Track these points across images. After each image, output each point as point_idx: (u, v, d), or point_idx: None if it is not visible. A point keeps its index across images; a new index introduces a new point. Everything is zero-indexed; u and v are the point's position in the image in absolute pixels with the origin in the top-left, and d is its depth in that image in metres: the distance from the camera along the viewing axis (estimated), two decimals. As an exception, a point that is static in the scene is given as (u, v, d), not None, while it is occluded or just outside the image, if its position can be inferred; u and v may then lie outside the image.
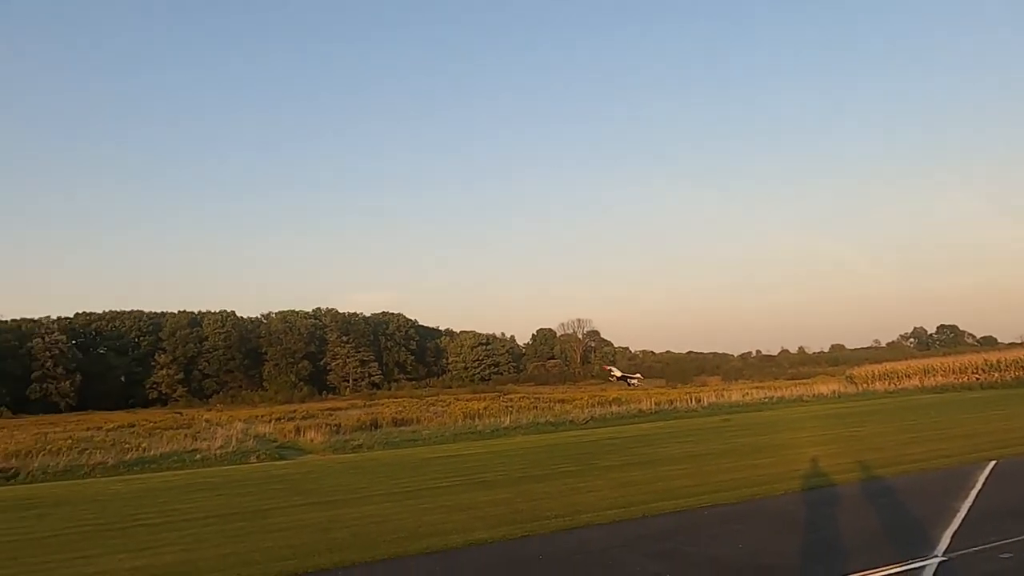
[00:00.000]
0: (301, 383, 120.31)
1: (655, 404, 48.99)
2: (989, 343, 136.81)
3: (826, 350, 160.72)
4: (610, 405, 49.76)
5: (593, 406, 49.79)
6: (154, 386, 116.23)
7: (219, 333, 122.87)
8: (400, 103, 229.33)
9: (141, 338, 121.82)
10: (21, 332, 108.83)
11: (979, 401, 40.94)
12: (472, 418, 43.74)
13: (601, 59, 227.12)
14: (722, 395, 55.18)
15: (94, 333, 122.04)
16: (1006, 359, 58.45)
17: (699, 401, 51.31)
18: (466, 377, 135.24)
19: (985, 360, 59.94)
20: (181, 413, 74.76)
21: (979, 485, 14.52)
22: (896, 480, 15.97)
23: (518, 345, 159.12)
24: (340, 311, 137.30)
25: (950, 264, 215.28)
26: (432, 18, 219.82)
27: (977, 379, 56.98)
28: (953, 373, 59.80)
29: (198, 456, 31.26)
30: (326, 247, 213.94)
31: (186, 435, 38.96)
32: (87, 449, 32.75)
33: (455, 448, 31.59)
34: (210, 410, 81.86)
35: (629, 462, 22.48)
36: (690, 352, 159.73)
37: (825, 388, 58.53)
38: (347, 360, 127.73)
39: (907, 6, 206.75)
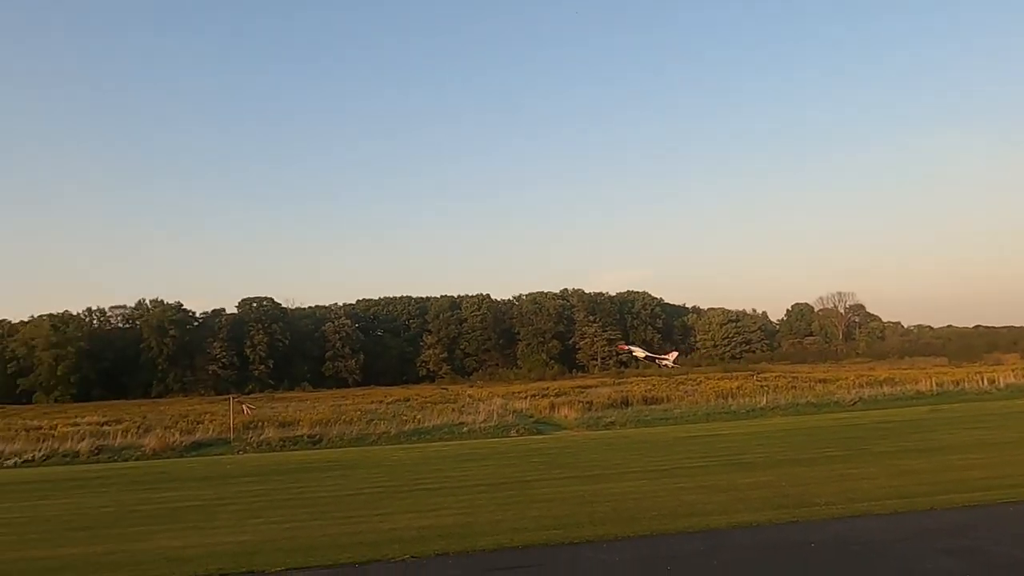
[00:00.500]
0: (552, 361, 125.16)
1: (936, 385, 43.82)
2: None
3: None
4: (881, 386, 45.40)
5: (861, 386, 45.79)
6: (423, 364, 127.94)
7: (476, 315, 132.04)
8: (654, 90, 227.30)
9: (411, 321, 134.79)
10: (316, 317, 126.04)
11: None
12: (724, 397, 42.43)
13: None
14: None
15: (372, 317, 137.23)
16: None
17: (993, 382, 44.90)
18: (716, 355, 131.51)
19: None
20: (447, 389, 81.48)
21: None
22: None
23: (771, 322, 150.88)
24: (586, 291, 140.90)
25: None
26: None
27: None
28: None
29: (464, 429, 33.91)
30: (569, 231, 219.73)
31: (452, 409, 42.43)
32: (373, 420, 37.03)
33: (709, 428, 30.91)
34: (472, 386, 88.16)
35: (907, 448, 20.42)
36: (978, 326, 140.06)
37: None
38: (595, 339, 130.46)
39: None
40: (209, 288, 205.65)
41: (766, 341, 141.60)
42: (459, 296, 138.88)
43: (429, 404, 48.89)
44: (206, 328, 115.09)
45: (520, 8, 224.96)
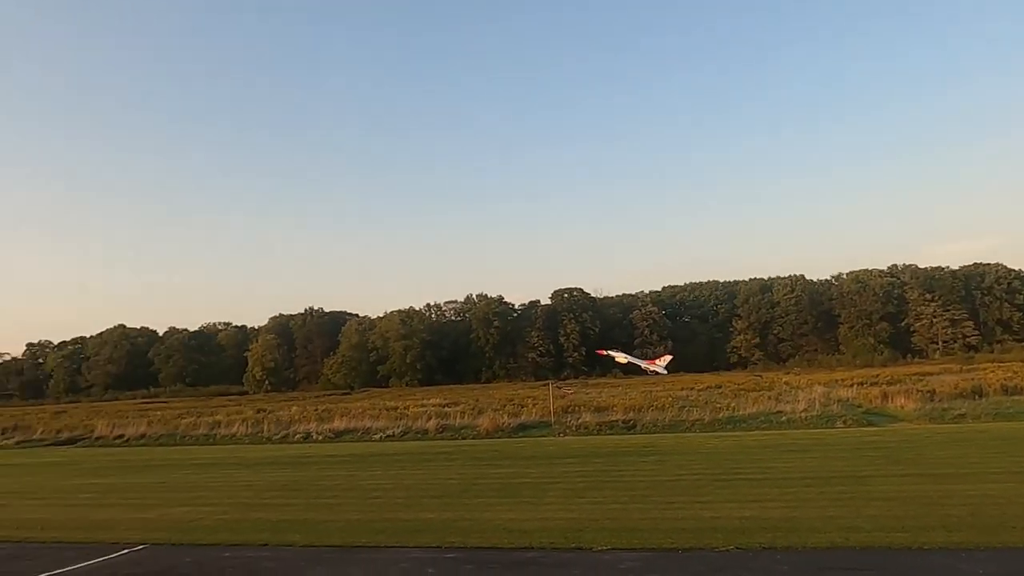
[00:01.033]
0: (880, 345, 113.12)
1: None
2: None
3: None
4: None
5: None
6: (733, 350, 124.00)
7: (789, 298, 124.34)
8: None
9: (718, 306, 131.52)
10: (624, 306, 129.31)
11: None
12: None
13: None
14: None
15: (678, 303, 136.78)
16: None
17: None
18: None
19: None
20: (760, 376, 77.90)
21: None
22: None
23: None
24: (920, 266, 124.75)
25: None
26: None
27: None
28: None
29: (783, 418, 32.13)
30: (896, 201, 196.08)
31: (768, 397, 40.43)
32: (685, 407, 36.83)
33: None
34: (787, 373, 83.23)
35: None
36: None
37: None
38: (933, 320, 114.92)
39: None
40: (526, 282, 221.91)
41: None
42: (770, 278, 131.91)
43: (743, 392, 47.20)
44: (524, 319, 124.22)
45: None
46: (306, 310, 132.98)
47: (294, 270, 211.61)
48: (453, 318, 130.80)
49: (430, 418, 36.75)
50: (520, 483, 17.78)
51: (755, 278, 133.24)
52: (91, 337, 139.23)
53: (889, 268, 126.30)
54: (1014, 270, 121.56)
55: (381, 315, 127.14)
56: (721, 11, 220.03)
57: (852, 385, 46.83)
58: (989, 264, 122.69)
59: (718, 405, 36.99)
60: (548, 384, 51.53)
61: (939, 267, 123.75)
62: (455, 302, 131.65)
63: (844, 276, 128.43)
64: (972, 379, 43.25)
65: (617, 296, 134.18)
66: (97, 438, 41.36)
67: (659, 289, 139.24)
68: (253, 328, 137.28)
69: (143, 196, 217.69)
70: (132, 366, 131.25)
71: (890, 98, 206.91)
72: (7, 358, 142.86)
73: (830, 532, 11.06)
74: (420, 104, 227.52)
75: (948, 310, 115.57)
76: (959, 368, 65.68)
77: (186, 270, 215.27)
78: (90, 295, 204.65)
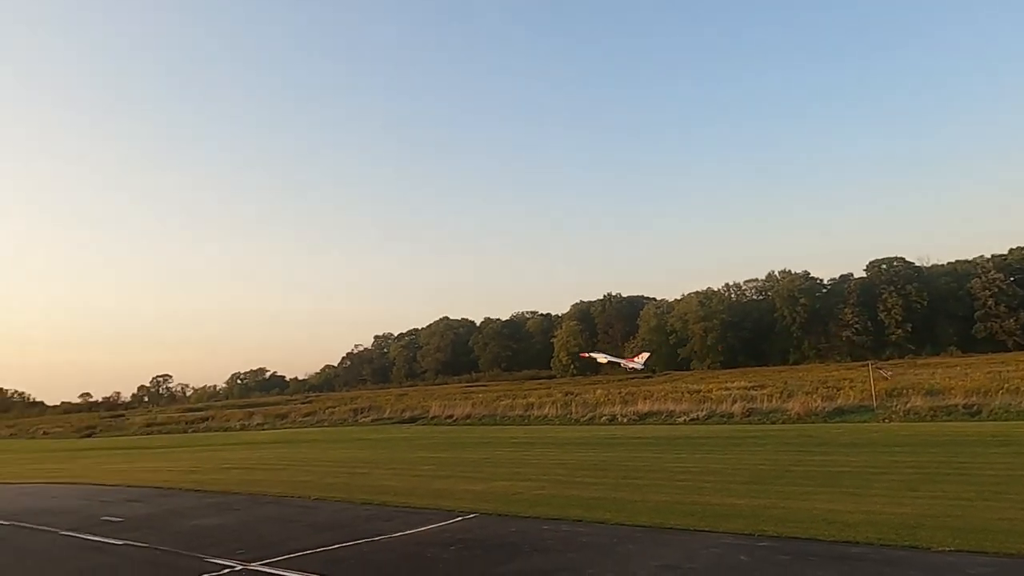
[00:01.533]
0: None
1: None
2: None
3: None
4: None
5: None
6: None
7: None
8: None
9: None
10: (958, 274, 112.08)
11: None
12: None
13: None
14: None
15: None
16: None
17: None
18: None
19: None
20: None
21: None
22: None
23: None
24: None
25: None
26: None
27: None
28: None
29: None
30: None
31: None
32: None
33: None
34: None
35: None
36: None
37: None
38: None
39: None
40: (836, 254, 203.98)
41: None
42: None
43: None
44: (835, 295, 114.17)
45: None
46: (605, 296, 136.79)
47: (593, 258, 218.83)
48: (755, 297, 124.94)
49: (735, 401, 35.61)
50: (839, 472, 16.44)
51: None
52: (423, 329, 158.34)
53: None
54: None
55: (678, 297, 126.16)
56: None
57: None
58: None
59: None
60: (867, 365, 46.83)
61: None
62: (755, 280, 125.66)
63: None
64: None
65: (949, 263, 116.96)
66: (432, 417, 46.94)
67: (1005, 253, 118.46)
68: (557, 315, 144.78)
69: (469, 201, 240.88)
70: (456, 353, 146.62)
71: None
72: (360, 349, 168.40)
73: None
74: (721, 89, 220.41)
75: None
76: None
77: (498, 263, 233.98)
78: (421, 291, 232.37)
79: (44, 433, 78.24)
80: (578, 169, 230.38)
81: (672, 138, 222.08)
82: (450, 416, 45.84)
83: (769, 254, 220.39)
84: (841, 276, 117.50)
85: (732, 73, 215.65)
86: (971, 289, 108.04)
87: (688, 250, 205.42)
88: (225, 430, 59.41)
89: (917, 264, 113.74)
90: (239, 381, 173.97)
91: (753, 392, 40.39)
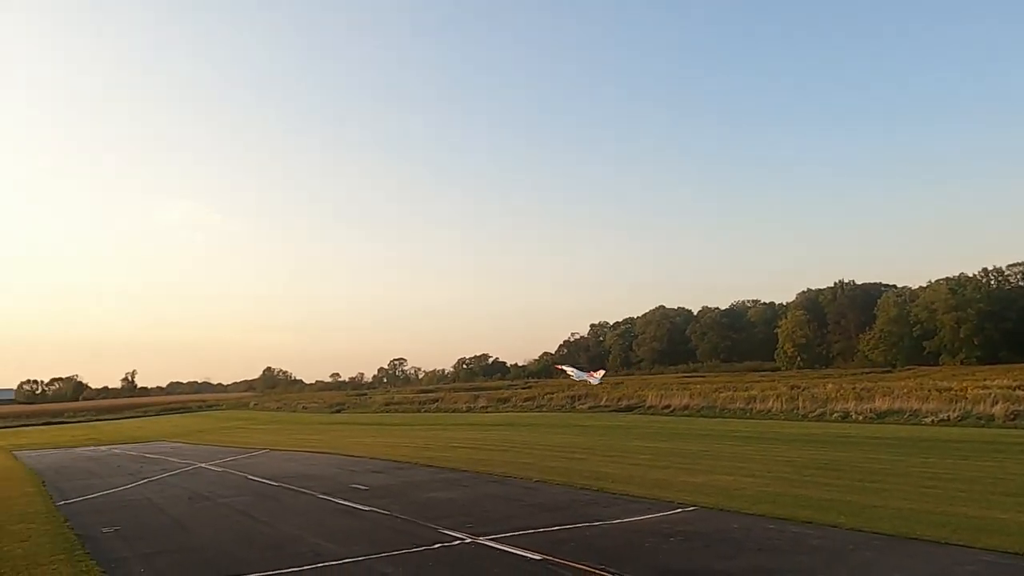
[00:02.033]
0: None
1: None
2: None
3: None
4: None
5: None
6: None
7: None
8: None
9: None
10: None
11: None
12: None
13: None
14: None
15: None
16: None
17: None
18: None
19: None
20: None
21: None
22: None
23: None
24: None
25: None
26: None
27: None
28: None
29: None
30: None
31: None
32: None
33: None
34: None
35: None
36: None
37: None
38: None
39: None
40: None
41: None
42: None
43: None
44: None
45: None
46: (836, 283, 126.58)
47: (821, 242, 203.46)
48: (1020, 284, 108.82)
49: (996, 402, 31.30)
50: None
51: None
52: (638, 317, 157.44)
53: None
54: None
55: (923, 285, 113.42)
56: None
57: None
58: None
59: None
60: None
61: None
62: (1021, 265, 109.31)
63: None
64: None
65: None
66: (648, 407, 46.59)
67: None
68: (781, 304, 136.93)
69: (684, 186, 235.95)
70: (672, 343, 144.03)
71: None
72: (577, 337, 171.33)
73: None
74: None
75: None
76: None
77: (717, 250, 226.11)
78: (636, 280, 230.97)
79: (303, 408, 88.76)
80: (809, 142, 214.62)
81: (924, 106, 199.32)
82: (667, 406, 45.16)
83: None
84: None
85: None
86: None
87: (934, 232, 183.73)
88: (453, 411, 63.52)
89: None
90: (464, 366, 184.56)
91: (1019, 392, 35.27)
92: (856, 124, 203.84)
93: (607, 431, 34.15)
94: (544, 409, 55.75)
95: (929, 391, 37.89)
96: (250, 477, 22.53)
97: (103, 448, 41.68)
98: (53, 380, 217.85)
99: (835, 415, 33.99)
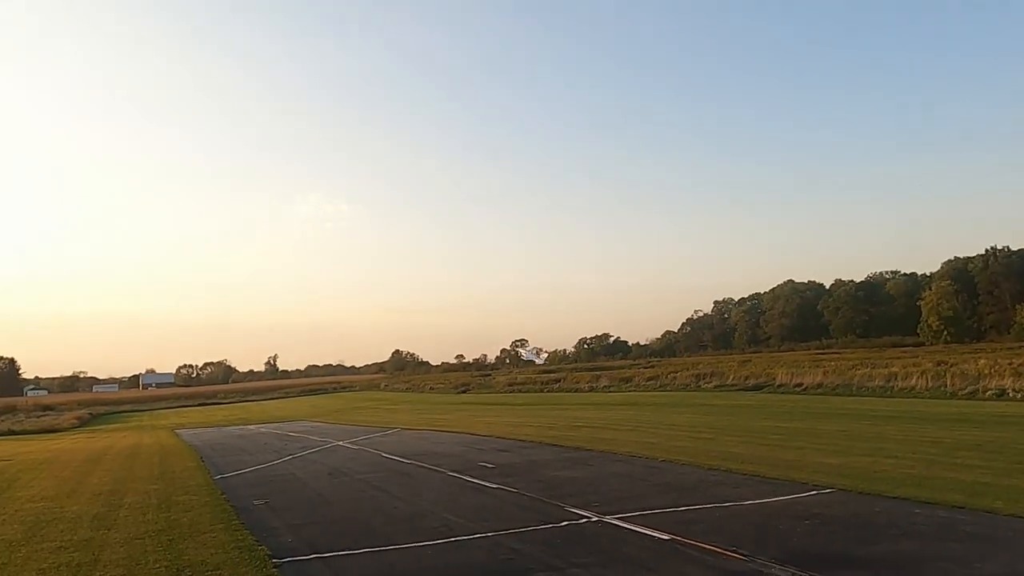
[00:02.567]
0: None
1: None
2: None
3: None
4: None
5: None
6: None
7: None
8: None
9: None
10: None
11: None
12: None
13: None
14: None
15: None
16: None
17: None
18: None
19: None
20: None
21: None
22: None
23: None
24: None
25: None
26: None
27: None
28: None
29: None
30: None
31: None
32: None
33: None
34: None
35: None
36: None
37: None
38: None
39: None
40: None
41: None
42: None
43: None
44: None
45: None
46: (987, 251, 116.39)
47: (972, 207, 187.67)
48: None
49: None
50: None
51: None
52: (765, 292, 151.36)
53: None
54: None
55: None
56: None
57: None
58: None
59: None
60: None
61: None
62: None
63: None
64: None
65: None
66: (778, 385, 44.89)
67: None
68: (924, 275, 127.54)
69: (810, 149, 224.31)
70: (803, 318, 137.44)
71: None
72: (700, 314, 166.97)
73: None
74: None
75: None
76: None
77: (848, 218, 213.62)
78: (763, 253, 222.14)
79: (430, 388, 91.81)
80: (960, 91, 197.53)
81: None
82: (799, 384, 43.33)
83: None
84: None
85: None
86: None
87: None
88: (575, 391, 63.71)
89: None
90: (585, 345, 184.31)
91: None
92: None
93: (734, 410, 33.21)
94: (668, 388, 54.92)
95: None
96: (384, 454, 23.60)
97: (251, 427, 44.91)
98: (206, 364, 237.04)
99: (989, 393, 31.46)
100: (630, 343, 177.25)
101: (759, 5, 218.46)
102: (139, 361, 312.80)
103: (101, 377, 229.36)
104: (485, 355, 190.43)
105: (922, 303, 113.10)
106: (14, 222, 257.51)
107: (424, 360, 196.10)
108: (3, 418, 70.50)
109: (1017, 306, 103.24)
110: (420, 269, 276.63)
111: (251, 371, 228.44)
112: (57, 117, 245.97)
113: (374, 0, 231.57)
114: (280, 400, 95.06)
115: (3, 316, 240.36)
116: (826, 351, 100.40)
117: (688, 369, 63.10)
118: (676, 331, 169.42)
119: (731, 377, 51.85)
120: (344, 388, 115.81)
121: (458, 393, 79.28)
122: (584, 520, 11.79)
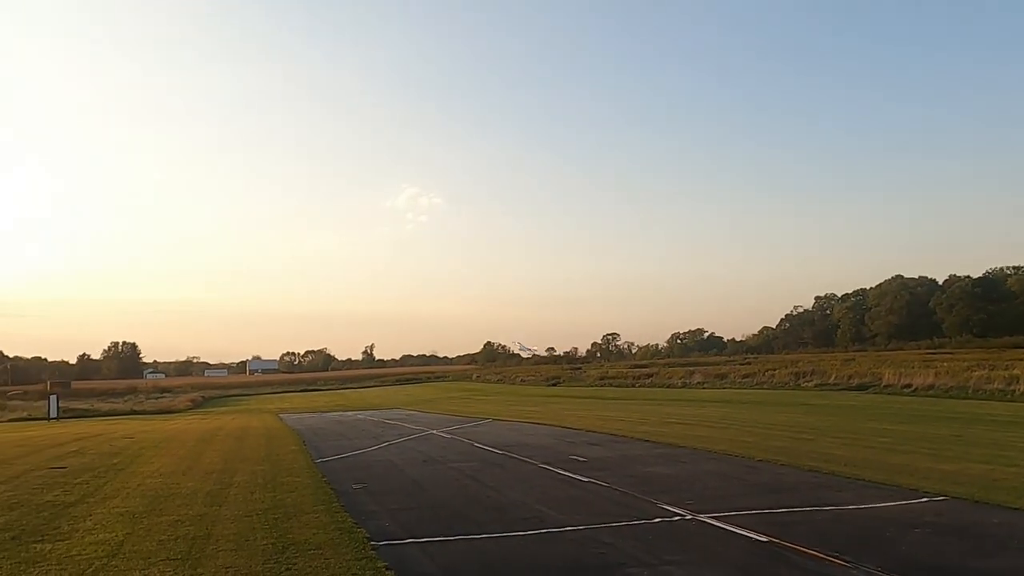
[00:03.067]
0: None
1: None
2: None
3: None
4: None
5: None
6: None
7: None
8: None
9: None
10: None
11: None
12: None
13: None
14: None
15: None
16: None
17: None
18: None
19: None
20: None
21: None
22: None
23: None
24: None
25: None
26: None
27: None
28: None
29: None
30: None
31: None
32: None
33: None
34: None
35: None
36: None
37: None
38: None
39: None
40: None
41: None
42: None
43: None
44: None
45: None
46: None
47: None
48: None
49: None
50: None
51: None
52: (871, 288, 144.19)
53: None
54: None
55: None
56: None
57: None
58: None
59: None
60: None
61: None
62: None
63: None
64: None
65: None
66: (885, 386, 42.80)
67: None
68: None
69: (923, 133, 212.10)
70: (912, 316, 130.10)
71: None
72: (800, 310, 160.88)
73: None
74: None
75: None
76: None
77: (963, 209, 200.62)
78: (866, 247, 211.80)
79: (521, 380, 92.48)
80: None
81: None
82: (907, 385, 41.12)
83: None
84: None
85: None
86: None
87: None
88: (667, 386, 62.74)
89: None
90: (678, 340, 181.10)
91: None
92: None
93: (837, 411, 31.88)
94: (765, 386, 53.29)
95: None
96: (476, 444, 23.97)
97: (349, 414, 46.54)
98: (307, 352, 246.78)
99: None
100: (725, 339, 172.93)
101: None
102: (246, 348, 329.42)
103: (212, 362, 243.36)
104: (576, 348, 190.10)
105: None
106: (147, 223, 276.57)
107: (515, 352, 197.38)
108: (127, 399, 76.09)
109: None
110: (513, 262, 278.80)
111: (349, 360, 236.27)
112: (184, 118, 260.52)
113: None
114: (376, 388, 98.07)
115: (128, 304, 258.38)
116: (938, 351, 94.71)
117: (787, 367, 60.95)
118: (774, 327, 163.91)
119: (833, 376, 49.77)
120: (437, 378, 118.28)
121: (549, 385, 79.49)
122: (677, 517, 11.63)
